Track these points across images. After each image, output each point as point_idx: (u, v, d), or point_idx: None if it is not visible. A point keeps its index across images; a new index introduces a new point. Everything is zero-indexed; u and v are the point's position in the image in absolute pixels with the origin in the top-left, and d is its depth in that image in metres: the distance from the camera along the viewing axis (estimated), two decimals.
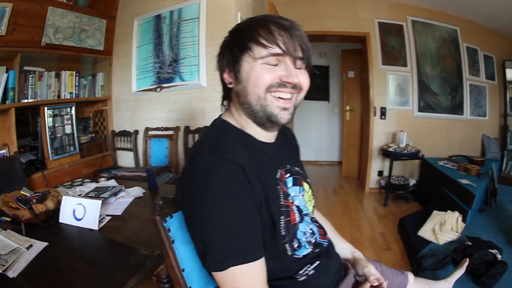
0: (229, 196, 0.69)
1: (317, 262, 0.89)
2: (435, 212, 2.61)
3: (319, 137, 5.96)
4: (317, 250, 0.91)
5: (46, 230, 1.46)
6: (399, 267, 1.25)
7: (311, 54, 0.80)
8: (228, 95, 0.87)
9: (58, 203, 1.55)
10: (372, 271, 1.00)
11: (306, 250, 0.87)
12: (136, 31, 3.11)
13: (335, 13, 4.05)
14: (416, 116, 4.10)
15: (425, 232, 2.45)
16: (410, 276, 1.23)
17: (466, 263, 1.53)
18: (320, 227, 1.00)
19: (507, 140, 4.31)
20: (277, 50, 0.74)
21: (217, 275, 0.70)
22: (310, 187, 1.00)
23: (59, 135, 2.61)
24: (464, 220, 2.46)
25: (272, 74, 0.74)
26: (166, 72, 2.96)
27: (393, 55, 4.05)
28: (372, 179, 4.27)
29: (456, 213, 2.47)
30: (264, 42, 0.74)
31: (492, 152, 4.16)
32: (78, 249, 1.38)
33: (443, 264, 1.91)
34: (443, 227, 2.37)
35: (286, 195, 0.83)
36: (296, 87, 0.78)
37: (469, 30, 4.20)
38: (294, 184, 0.90)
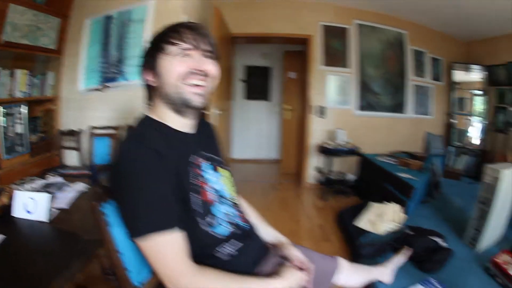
0: (147, 175, 0.83)
1: (241, 244, 1.02)
2: (371, 203, 2.78)
3: (258, 135, 6.26)
4: (238, 232, 1.03)
5: (1, 224, 1.58)
6: None
7: (216, 49, 0.99)
8: (151, 94, 1.03)
9: (11, 198, 1.72)
10: (294, 253, 1.11)
11: (226, 229, 0.99)
12: (87, 31, 3.27)
13: (279, 16, 4.31)
14: (356, 114, 4.46)
15: (362, 222, 2.59)
16: (342, 260, 1.32)
17: (408, 252, 1.66)
18: (241, 211, 1.11)
19: (452, 137, 4.76)
20: (186, 46, 0.91)
21: (142, 245, 0.82)
22: (232, 175, 1.18)
23: (11, 135, 2.68)
24: (405, 212, 2.59)
25: (184, 65, 0.91)
26: (111, 71, 3.17)
27: (336, 57, 4.37)
28: (311, 175, 4.62)
29: (394, 204, 2.62)
30: (175, 40, 0.91)
31: (436, 148, 4.38)
32: (31, 240, 1.56)
33: (382, 252, 2.01)
34: (381, 218, 2.49)
35: (198, 176, 0.97)
36: (206, 74, 0.94)
37: (418, 33, 4.60)
38: (211, 169, 1.06)
